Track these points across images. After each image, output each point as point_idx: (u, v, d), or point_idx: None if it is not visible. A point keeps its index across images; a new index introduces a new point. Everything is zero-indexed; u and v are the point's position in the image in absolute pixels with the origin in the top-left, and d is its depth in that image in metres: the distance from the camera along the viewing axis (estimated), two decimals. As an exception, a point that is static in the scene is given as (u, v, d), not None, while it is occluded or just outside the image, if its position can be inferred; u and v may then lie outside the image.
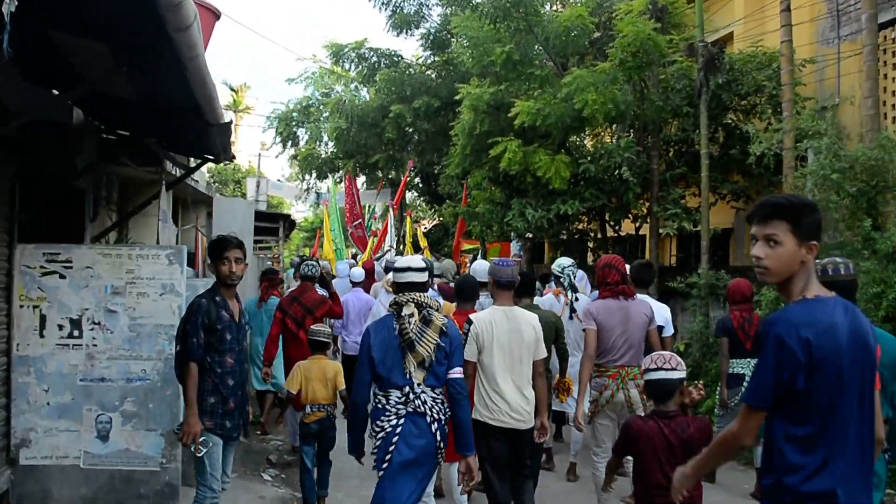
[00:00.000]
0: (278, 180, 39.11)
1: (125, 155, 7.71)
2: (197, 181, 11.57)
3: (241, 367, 5.19)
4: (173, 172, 8.96)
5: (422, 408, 4.67)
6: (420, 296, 4.87)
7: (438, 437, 4.71)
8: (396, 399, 4.71)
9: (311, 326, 7.28)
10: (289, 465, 8.56)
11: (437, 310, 4.88)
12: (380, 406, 4.76)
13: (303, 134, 25.79)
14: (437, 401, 4.74)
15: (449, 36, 17.16)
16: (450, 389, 4.75)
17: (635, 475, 4.37)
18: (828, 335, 2.82)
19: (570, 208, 12.28)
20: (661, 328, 7.07)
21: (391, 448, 4.65)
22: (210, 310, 4.95)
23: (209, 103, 5.39)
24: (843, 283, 4.27)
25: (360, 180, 28.24)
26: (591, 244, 16.09)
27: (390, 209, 20.76)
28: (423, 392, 4.70)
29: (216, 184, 48.23)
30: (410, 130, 18.77)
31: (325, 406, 6.66)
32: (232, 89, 63.08)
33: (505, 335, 5.43)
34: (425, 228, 37.22)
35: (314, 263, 8.73)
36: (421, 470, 4.73)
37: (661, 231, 12.98)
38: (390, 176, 23.43)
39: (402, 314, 4.80)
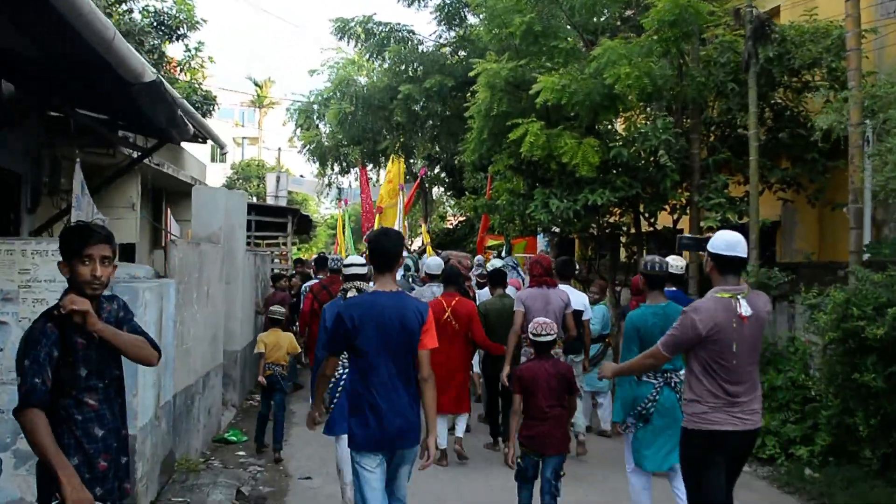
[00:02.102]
0: (301, 176, 37.83)
1: (69, 135, 6.31)
2: (177, 170, 10.26)
3: (112, 407, 3.79)
4: (135, 156, 7.62)
5: None
6: (361, 283, 6.51)
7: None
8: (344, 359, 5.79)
9: (270, 307, 10.04)
10: (264, 500, 7.56)
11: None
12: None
13: (324, 127, 24.35)
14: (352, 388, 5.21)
15: (465, 7, 15.66)
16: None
17: (524, 408, 6.07)
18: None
19: (600, 198, 10.99)
20: (581, 312, 8.87)
21: (339, 389, 6.35)
22: (55, 336, 3.55)
23: (111, 51, 4.01)
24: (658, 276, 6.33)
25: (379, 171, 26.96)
26: (623, 239, 14.57)
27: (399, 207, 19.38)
28: None
29: (239, 180, 47.46)
30: (422, 113, 17.10)
31: (276, 365, 9.05)
32: (256, 84, 62.47)
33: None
34: (451, 225, 36.08)
35: (339, 258, 10.20)
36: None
37: (702, 224, 11.50)
38: (409, 166, 21.92)
39: (348, 296, 6.28)
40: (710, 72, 11.51)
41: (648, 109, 12.98)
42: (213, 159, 64.55)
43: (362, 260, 7.06)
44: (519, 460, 6.12)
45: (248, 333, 12.20)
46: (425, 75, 15.80)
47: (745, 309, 4.70)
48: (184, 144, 14.06)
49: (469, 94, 13.98)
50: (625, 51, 10.38)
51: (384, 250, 5.01)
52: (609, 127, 13.16)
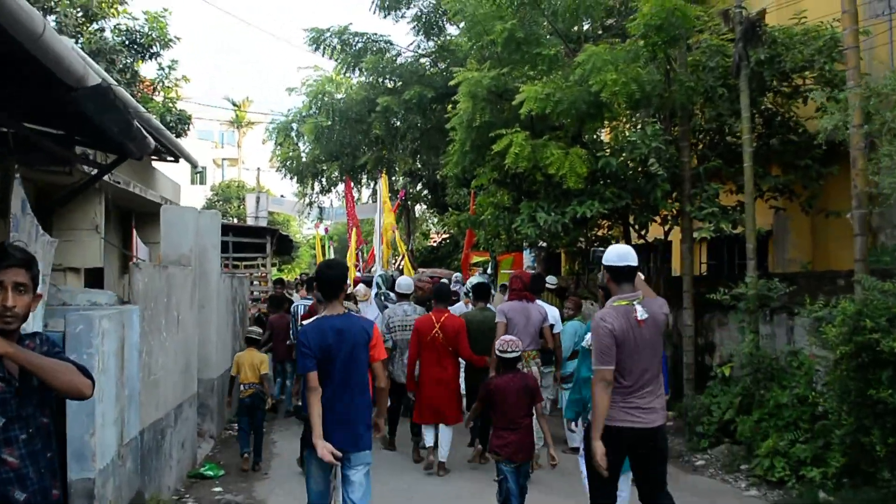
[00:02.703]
0: (281, 196, 37.29)
1: (13, 151, 5.78)
2: (145, 189, 9.72)
3: (37, 463, 3.16)
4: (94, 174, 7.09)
5: None
6: (346, 303, 6.42)
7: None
8: None
9: (249, 328, 10.25)
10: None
11: (357, 313, 6.67)
12: None
13: (303, 145, 23.77)
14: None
15: (443, 17, 15.21)
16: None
17: (494, 418, 6.45)
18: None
19: (589, 210, 10.56)
20: (552, 326, 9.32)
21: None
22: None
23: (40, 48, 3.50)
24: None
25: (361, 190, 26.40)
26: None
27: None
28: None
29: (219, 202, 46.88)
30: (401, 126, 16.44)
31: (253, 385, 9.18)
32: (234, 104, 61.91)
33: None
34: (434, 242, 35.63)
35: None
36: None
37: (695, 235, 11.09)
38: (391, 183, 21.32)
39: None
40: (699, 77, 11.10)
41: (635, 118, 12.53)
42: (192, 181, 64.10)
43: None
44: (498, 478, 6.44)
45: (225, 360, 11.64)
46: (404, 87, 15.21)
47: (641, 313, 5.17)
48: (159, 165, 13.58)
49: (450, 105, 13.50)
50: (610, 56, 9.96)
51: (329, 279, 5.69)
52: (595, 137, 12.72)
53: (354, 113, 16.02)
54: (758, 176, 11.27)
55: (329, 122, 16.50)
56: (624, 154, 10.84)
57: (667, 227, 12.24)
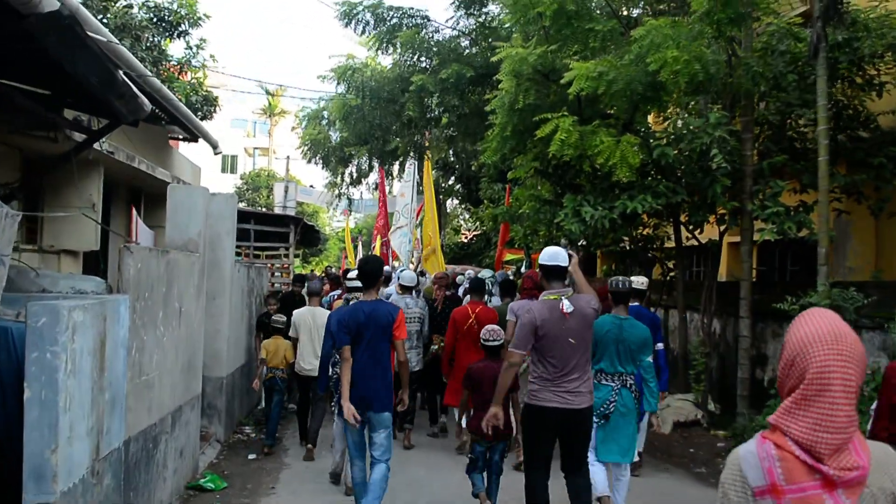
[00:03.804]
0: (311, 186, 36.39)
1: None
2: (152, 165, 8.75)
3: None
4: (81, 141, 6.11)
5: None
6: (360, 294, 7.26)
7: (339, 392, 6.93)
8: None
9: (273, 316, 10.28)
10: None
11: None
12: (336, 359, 7.53)
13: (334, 133, 22.70)
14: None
15: (486, -13, 14.09)
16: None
17: (473, 401, 6.99)
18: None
19: (641, 205, 9.36)
20: None
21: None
22: None
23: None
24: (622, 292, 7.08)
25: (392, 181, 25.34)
26: (658, 254, 12.97)
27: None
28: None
29: (248, 191, 46.14)
30: (436, 108, 15.16)
31: (276, 370, 9.72)
32: (268, 92, 61.24)
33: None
34: (466, 239, 34.61)
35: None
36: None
37: (756, 237, 10.02)
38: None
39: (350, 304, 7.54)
40: (767, 61, 9.98)
41: (690, 105, 11.41)
42: (223, 170, 63.72)
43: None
44: (469, 454, 7.02)
45: (239, 356, 10.72)
46: (441, 66, 13.97)
47: (567, 306, 5.74)
48: (183, 149, 12.70)
49: (489, 88, 12.41)
50: (672, 32, 8.85)
51: (367, 272, 6.80)
52: (647, 128, 11.62)
53: (386, 92, 14.74)
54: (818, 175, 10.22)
55: (358, 101, 15.32)
56: (682, 144, 9.72)
57: (722, 228, 11.15)
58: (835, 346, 2.26)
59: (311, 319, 9.61)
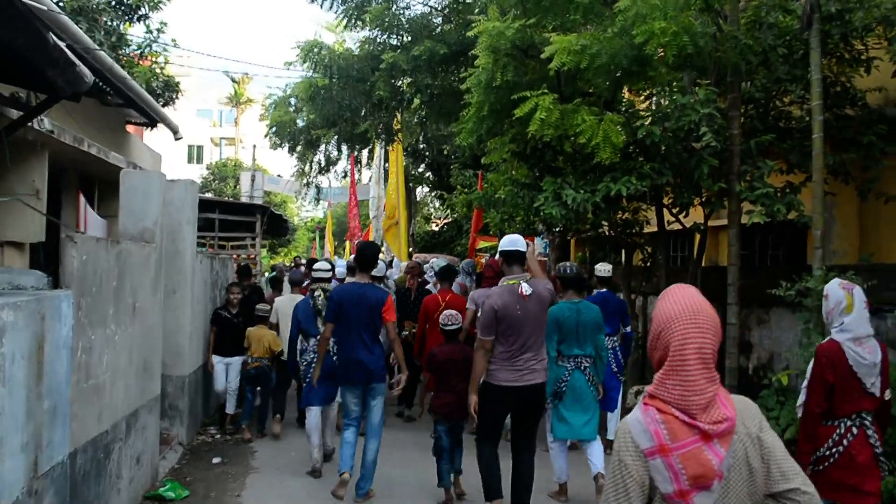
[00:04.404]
0: (278, 175, 35.58)
1: None
2: (104, 150, 8.08)
3: None
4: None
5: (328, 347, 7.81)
6: (325, 284, 8.73)
7: (337, 363, 7.71)
8: (314, 343, 8.36)
9: (257, 305, 10.34)
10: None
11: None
12: (304, 347, 8.59)
13: (302, 122, 21.90)
14: (336, 342, 7.71)
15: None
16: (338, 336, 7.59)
17: (435, 383, 7.30)
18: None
19: (625, 188, 8.79)
20: None
21: (311, 370, 8.08)
22: None
23: None
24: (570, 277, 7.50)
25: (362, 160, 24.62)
26: (639, 239, 12.46)
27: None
28: None
29: (215, 181, 45.21)
30: (408, 89, 14.40)
31: (261, 359, 9.90)
32: (233, 80, 60.23)
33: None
34: (436, 227, 34.03)
35: (327, 262, 9.63)
36: (329, 380, 8.01)
37: (744, 220, 9.55)
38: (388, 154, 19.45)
39: (315, 295, 8.59)
40: (755, 35, 9.47)
41: (675, 83, 10.87)
42: (189, 160, 62.66)
43: (328, 266, 9.23)
44: (433, 434, 7.33)
45: (203, 353, 10.09)
46: (413, 43, 13.26)
47: (526, 289, 6.18)
48: (148, 139, 12.00)
49: (464, 67, 11.77)
50: (658, 2, 8.30)
51: (364, 256, 7.46)
52: (627, 106, 11.07)
53: (355, 71, 13.93)
54: (807, 154, 9.76)
55: (325, 81, 14.54)
56: (668, 123, 9.17)
57: (707, 211, 10.64)
58: (694, 319, 2.55)
59: (292, 307, 9.48)
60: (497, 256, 6.83)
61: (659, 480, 2.48)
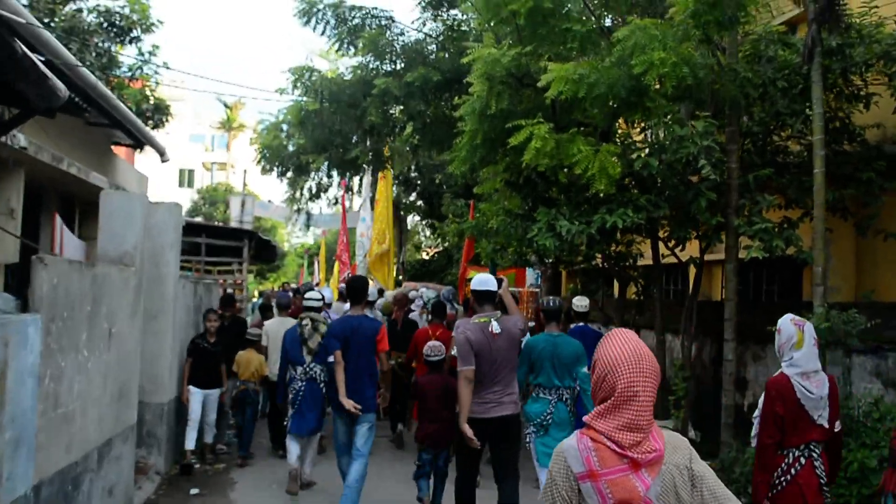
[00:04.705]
0: (269, 201, 35.32)
1: None
2: (85, 170, 7.84)
3: None
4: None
5: (314, 375, 8.37)
6: (314, 314, 8.70)
7: (324, 391, 8.33)
8: (301, 372, 8.39)
9: (249, 329, 10.88)
10: None
11: (323, 322, 8.62)
12: (292, 376, 8.44)
13: (293, 147, 21.63)
14: (323, 371, 8.34)
15: (453, -12, 13.18)
16: (329, 366, 8.02)
17: (420, 412, 7.57)
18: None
19: (622, 220, 8.58)
20: None
21: (299, 398, 8.31)
22: None
23: None
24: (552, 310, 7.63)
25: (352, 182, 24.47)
26: (632, 272, 12.24)
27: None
28: (314, 367, 8.39)
29: (205, 205, 44.97)
30: (400, 116, 14.14)
31: (248, 382, 10.03)
32: (226, 105, 60.13)
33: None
34: (427, 255, 33.79)
35: (318, 292, 9.61)
36: (316, 410, 8.38)
37: (742, 255, 9.38)
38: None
39: (302, 324, 8.59)
40: (754, 68, 9.32)
41: (669, 117, 10.71)
42: (181, 184, 62.41)
43: (318, 295, 9.13)
44: (416, 461, 7.60)
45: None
46: (406, 69, 13.06)
47: (495, 328, 6.41)
48: (140, 164, 11.76)
49: (457, 94, 11.56)
50: (658, 32, 8.13)
51: (355, 288, 7.73)
52: (626, 138, 10.89)
53: (347, 95, 13.71)
54: (805, 190, 9.61)
55: (316, 105, 14.31)
56: (665, 155, 8.98)
57: (703, 245, 10.44)
58: (638, 365, 2.72)
59: (282, 330, 9.62)
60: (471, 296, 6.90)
61: (589, 503, 2.68)
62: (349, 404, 7.21)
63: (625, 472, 2.62)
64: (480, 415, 6.37)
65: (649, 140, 10.20)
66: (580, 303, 9.55)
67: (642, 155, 9.22)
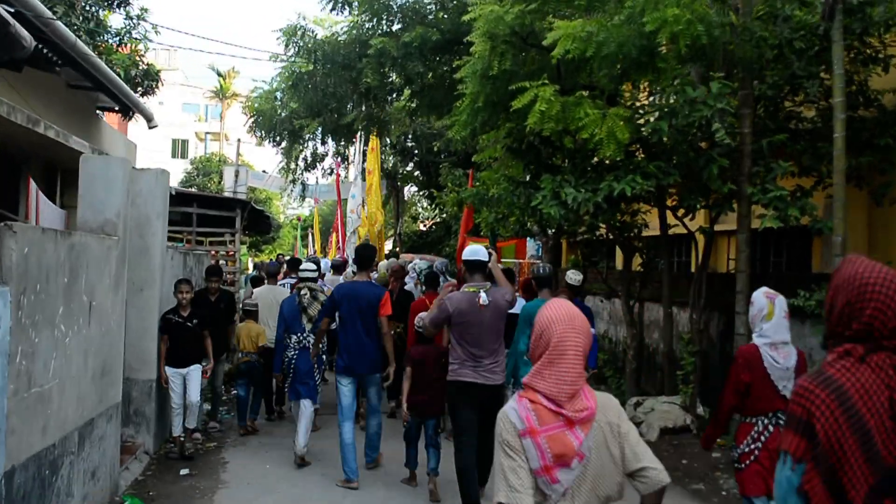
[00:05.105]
0: (263, 171, 34.74)
1: None
2: (65, 133, 7.38)
3: None
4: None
5: (307, 344, 8.57)
6: (311, 283, 8.92)
7: (316, 362, 8.62)
8: (296, 341, 8.62)
9: (244, 300, 10.94)
10: None
11: (321, 291, 9.00)
12: (287, 343, 8.66)
13: (285, 114, 21.09)
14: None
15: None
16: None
17: (412, 380, 7.57)
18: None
19: (630, 187, 8.17)
20: None
21: (291, 366, 8.56)
22: None
23: None
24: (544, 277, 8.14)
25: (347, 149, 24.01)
26: (637, 243, 11.85)
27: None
28: (309, 336, 8.58)
29: (198, 176, 44.31)
30: (398, 79, 13.57)
31: (251, 353, 10.06)
32: (219, 74, 59.35)
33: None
34: (424, 227, 33.37)
35: (313, 262, 10.23)
36: (310, 378, 8.55)
37: (756, 226, 9.02)
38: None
39: (301, 293, 8.78)
40: (769, 27, 8.88)
41: (677, 81, 10.26)
42: (174, 155, 61.75)
43: (313, 266, 9.37)
44: (405, 424, 7.80)
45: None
46: (403, 30, 12.53)
47: (483, 299, 6.70)
48: (133, 134, 11.29)
49: (457, 56, 11.08)
50: (671, -12, 7.68)
51: (363, 256, 8.30)
52: (634, 99, 10.47)
53: (342, 56, 13.12)
54: (820, 157, 9.21)
55: (309, 67, 13.73)
56: (676, 119, 8.55)
57: (714, 214, 10.05)
58: (570, 323, 2.98)
59: (270, 297, 10.75)
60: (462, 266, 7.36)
61: (529, 457, 2.89)
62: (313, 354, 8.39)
63: (561, 429, 2.89)
64: (472, 379, 6.67)
65: (657, 104, 9.75)
66: (574, 276, 9.55)
67: (651, 119, 8.79)
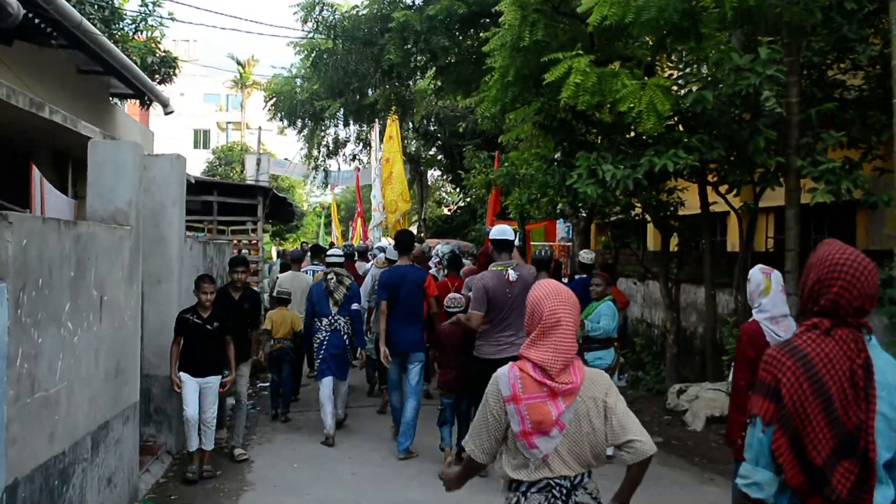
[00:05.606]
0: (285, 159, 34.38)
1: None
2: (72, 118, 6.95)
3: None
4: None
5: (338, 326, 9.01)
6: (338, 269, 9.26)
7: (346, 342, 9.11)
8: (326, 323, 9.01)
9: (277, 287, 10.79)
10: None
11: (347, 276, 9.28)
12: (317, 327, 9.08)
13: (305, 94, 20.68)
14: (346, 323, 9.06)
15: None
16: (351, 315, 9.12)
17: (441, 360, 8.10)
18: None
19: (672, 162, 7.66)
20: None
21: (324, 348, 8.95)
22: None
23: None
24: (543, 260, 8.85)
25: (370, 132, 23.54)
26: (674, 222, 11.28)
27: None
28: (338, 318, 9.01)
29: (220, 165, 44.06)
30: (422, 57, 12.93)
31: (284, 340, 10.08)
32: (238, 63, 59.04)
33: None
34: (449, 212, 32.89)
35: (349, 244, 12.60)
36: (339, 359, 8.99)
37: (809, 202, 8.51)
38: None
39: (328, 278, 9.15)
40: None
41: (715, 50, 9.71)
42: (195, 145, 61.60)
43: (340, 252, 9.84)
44: (439, 406, 8.01)
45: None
46: (427, 2, 11.95)
47: (512, 275, 7.13)
48: (155, 124, 10.87)
49: (483, 29, 10.56)
50: (716, -53, 7.15)
51: (402, 241, 8.77)
52: (675, 69, 9.89)
53: (363, 32, 12.53)
54: (869, 126, 8.66)
55: (329, 44, 13.18)
56: (720, 88, 8.00)
57: (758, 189, 9.51)
58: (558, 297, 3.30)
59: (295, 283, 10.99)
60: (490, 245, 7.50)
61: (511, 422, 3.17)
62: (384, 356, 8.21)
63: (542, 399, 3.15)
64: (491, 355, 6.91)
65: (697, 73, 9.19)
66: (587, 255, 10.28)
67: (694, 89, 8.25)
